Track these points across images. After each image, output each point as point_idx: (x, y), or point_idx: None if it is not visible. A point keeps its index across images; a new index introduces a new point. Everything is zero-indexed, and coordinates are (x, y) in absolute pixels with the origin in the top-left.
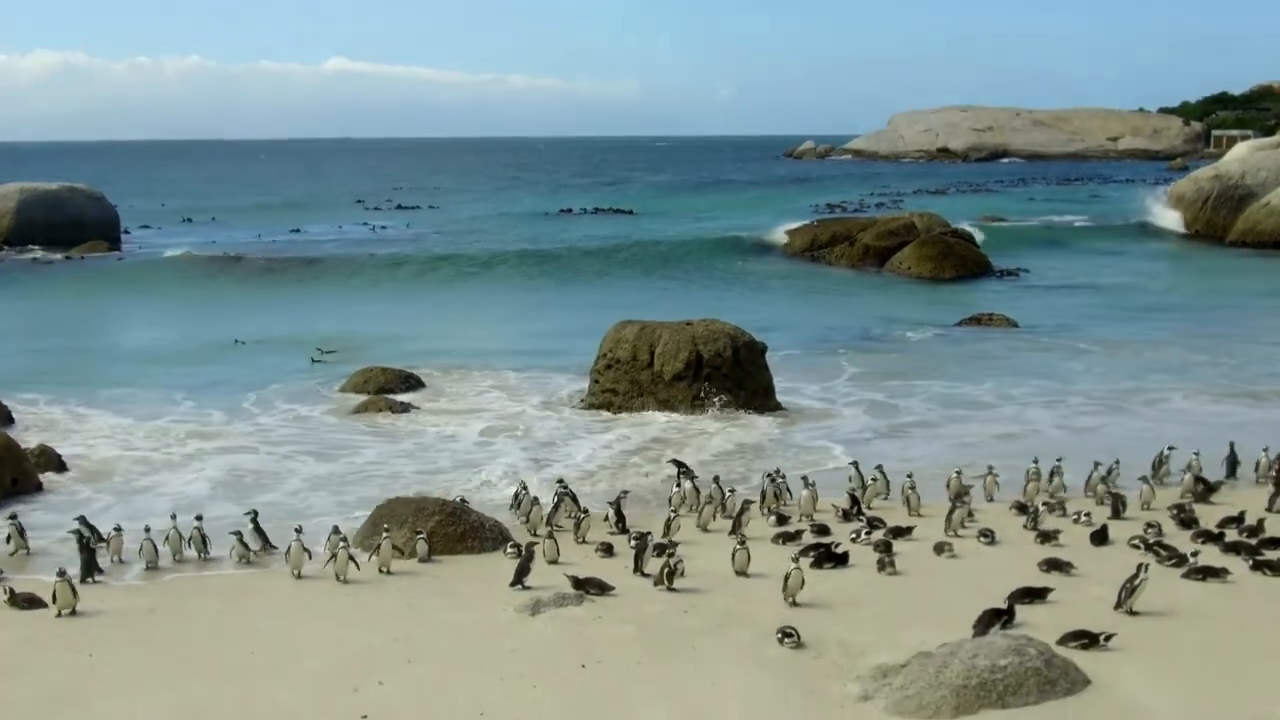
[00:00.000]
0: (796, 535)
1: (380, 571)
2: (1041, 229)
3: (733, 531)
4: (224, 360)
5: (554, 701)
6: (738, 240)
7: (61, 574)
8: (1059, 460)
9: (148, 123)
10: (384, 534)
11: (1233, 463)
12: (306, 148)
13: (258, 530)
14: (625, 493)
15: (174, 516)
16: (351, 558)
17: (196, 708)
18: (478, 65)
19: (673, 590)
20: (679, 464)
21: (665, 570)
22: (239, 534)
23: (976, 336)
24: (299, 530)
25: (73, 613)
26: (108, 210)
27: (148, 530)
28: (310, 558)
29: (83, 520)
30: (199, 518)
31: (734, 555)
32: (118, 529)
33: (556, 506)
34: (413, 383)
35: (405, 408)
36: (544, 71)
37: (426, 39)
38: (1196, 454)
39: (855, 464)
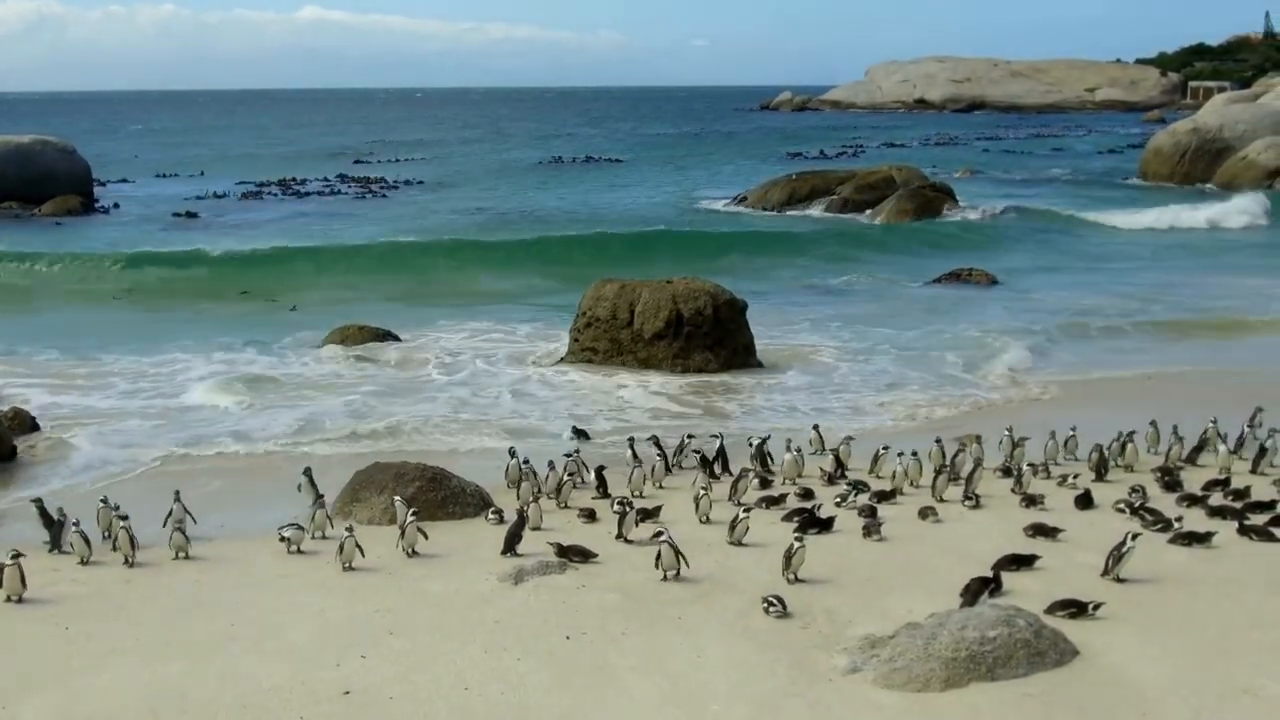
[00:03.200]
0: (780, 499)
1: (344, 568)
2: (1016, 181)
3: (730, 498)
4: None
5: (538, 674)
6: (712, 195)
7: (15, 557)
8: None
9: (122, 73)
10: (347, 533)
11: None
12: (282, 98)
13: (311, 484)
14: (603, 467)
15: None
16: (358, 544)
17: (175, 684)
18: (456, 14)
19: (629, 542)
20: (578, 430)
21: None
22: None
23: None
24: (350, 529)
25: (19, 600)
26: (79, 164)
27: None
28: (364, 555)
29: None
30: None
31: (733, 524)
32: (108, 504)
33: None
34: (390, 338)
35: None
36: (523, 19)
37: None
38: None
39: (816, 427)
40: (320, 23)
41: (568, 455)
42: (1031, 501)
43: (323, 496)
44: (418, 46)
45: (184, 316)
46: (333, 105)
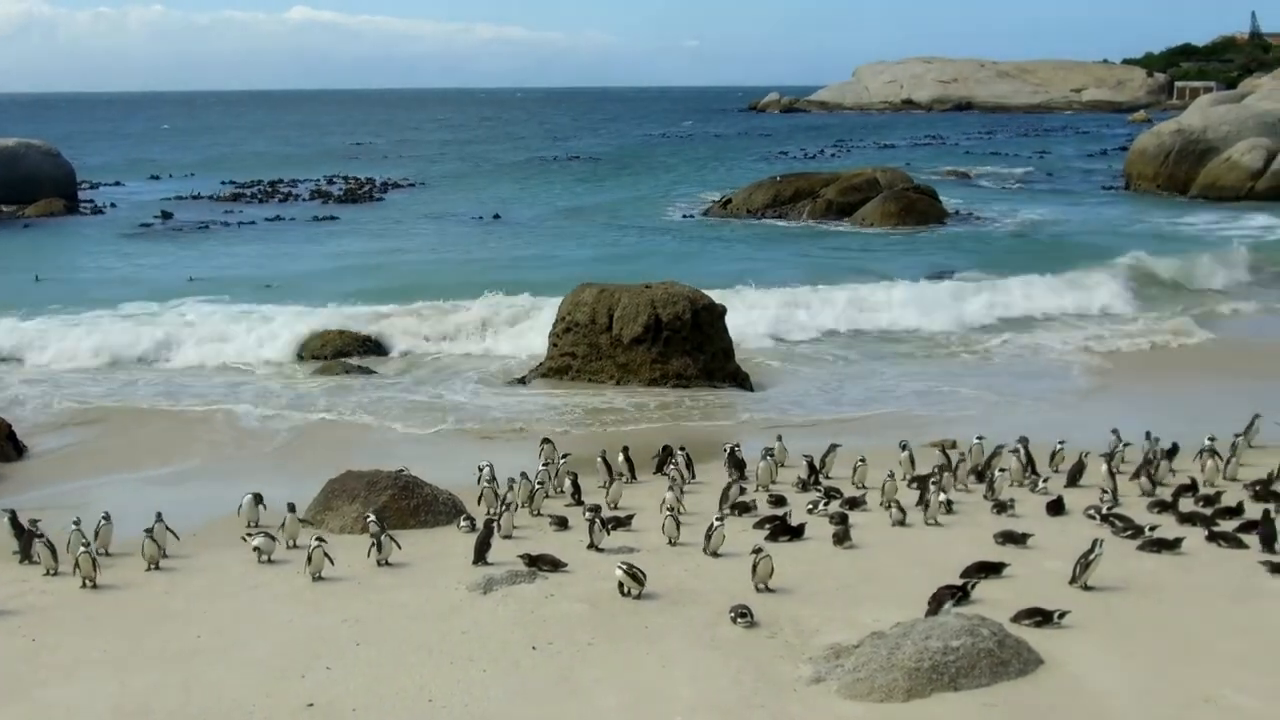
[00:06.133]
0: (751, 506)
1: (313, 579)
2: (1001, 183)
3: (723, 508)
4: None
5: (503, 686)
6: (697, 197)
7: None
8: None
9: (112, 74)
10: (315, 543)
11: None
12: (272, 99)
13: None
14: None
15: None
16: (327, 555)
17: (141, 696)
18: (445, 14)
19: (600, 551)
20: (548, 441)
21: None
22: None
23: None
24: (320, 539)
25: None
26: (63, 167)
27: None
28: (333, 563)
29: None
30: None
31: (709, 534)
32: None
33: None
34: (370, 345)
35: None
36: (512, 20)
37: None
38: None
39: (779, 437)
40: (310, 23)
41: (545, 464)
42: (1003, 508)
43: (293, 504)
44: (407, 47)
45: None
46: (323, 106)
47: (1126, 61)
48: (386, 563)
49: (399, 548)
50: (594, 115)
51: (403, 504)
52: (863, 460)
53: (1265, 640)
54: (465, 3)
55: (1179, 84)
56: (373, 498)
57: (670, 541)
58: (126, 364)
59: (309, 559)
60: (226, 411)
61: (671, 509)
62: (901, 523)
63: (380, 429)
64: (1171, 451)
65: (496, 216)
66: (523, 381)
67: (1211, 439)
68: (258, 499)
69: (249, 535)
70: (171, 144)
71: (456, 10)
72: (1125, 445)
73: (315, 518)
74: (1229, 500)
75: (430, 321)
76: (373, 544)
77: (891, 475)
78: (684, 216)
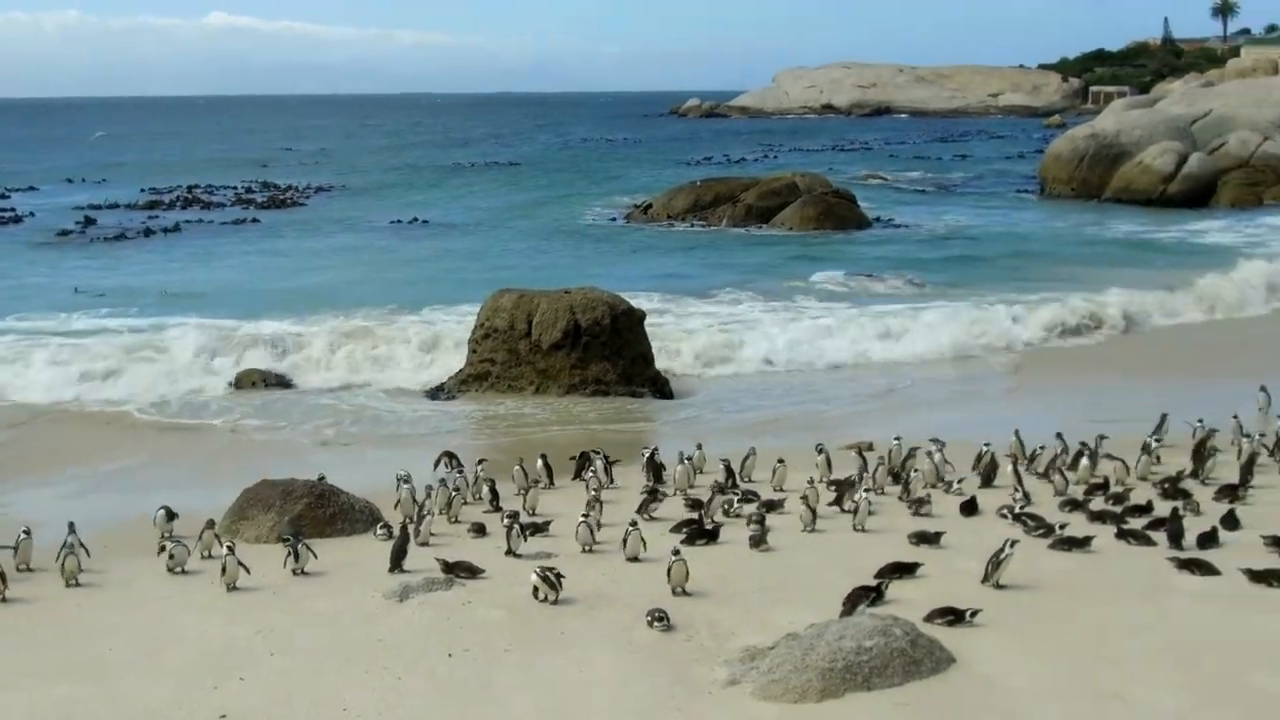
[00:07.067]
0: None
1: (227, 589)
2: (919, 186)
3: (643, 512)
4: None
5: (418, 694)
6: (617, 203)
7: None
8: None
9: (28, 82)
10: (227, 552)
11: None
12: (191, 104)
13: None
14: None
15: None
16: (242, 564)
17: (51, 710)
18: (365, 20)
19: (518, 557)
20: (449, 454)
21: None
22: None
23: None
24: (231, 548)
25: None
26: None
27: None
28: (249, 572)
29: None
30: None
31: (625, 539)
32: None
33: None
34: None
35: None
36: (434, 26)
37: None
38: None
39: (700, 445)
40: (228, 29)
41: (459, 472)
42: (921, 504)
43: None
44: (328, 53)
45: None
46: (244, 111)
47: (1042, 67)
48: (302, 572)
49: (315, 556)
50: (515, 121)
51: (319, 512)
52: (781, 462)
53: (1173, 636)
54: (387, 8)
55: (1093, 89)
56: (288, 506)
57: (585, 548)
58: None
59: (223, 569)
60: (137, 419)
61: (585, 515)
62: (811, 527)
63: (297, 438)
64: (1095, 452)
65: (417, 221)
66: (442, 389)
67: (1157, 440)
68: (170, 513)
69: (163, 546)
70: (95, 150)
71: (377, 15)
72: (1042, 449)
73: (230, 527)
74: (1138, 498)
75: (346, 329)
76: (288, 553)
77: (811, 482)
78: (605, 222)
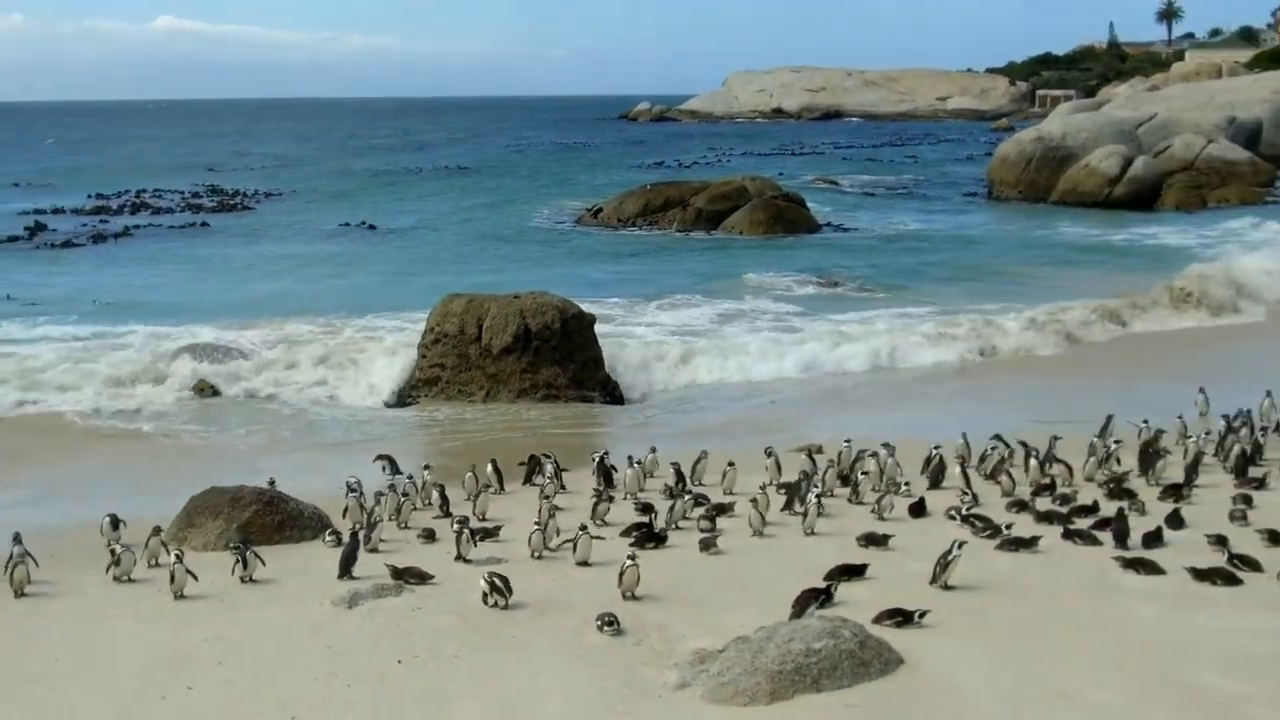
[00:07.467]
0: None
1: (175, 598)
2: (868, 190)
3: (594, 518)
4: None
5: (367, 701)
6: (568, 207)
7: None
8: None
9: None
10: (175, 560)
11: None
12: (138, 109)
13: None
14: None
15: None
16: (190, 572)
17: None
18: (314, 23)
19: (468, 562)
20: (386, 457)
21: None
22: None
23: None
24: (180, 556)
25: None
26: None
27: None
28: (196, 580)
29: None
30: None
31: (575, 543)
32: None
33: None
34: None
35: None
36: (383, 30)
37: None
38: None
39: (653, 449)
40: (176, 32)
41: (408, 478)
42: (882, 508)
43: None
44: (276, 56)
45: None
46: (192, 115)
47: (990, 70)
48: (251, 579)
49: (263, 564)
50: (465, 125)
51: (267, 519)
52: (731, 465)
53: (1119, 635)
54: (335, 12)
55: (1040, 92)
56: (236, 514)
57: (534, 554)
58: None
59: (172, 577)
60: (80, 426)
61: (538, 522)
62: (759, 533)
63: (244, 445)
64: (1049, 453)
65: (365, 225)
66: (392, 394)
67: (1113, 443)
68: (116, 521)
69: (110, 555)
70: (45, 156)
71: (326, 19)
72: (992, 449)
73: (177, 535)
74: (1085, 499)
75: (293, 334)
76: (236, 560)
77: (763, 487)
78: (555, 226)
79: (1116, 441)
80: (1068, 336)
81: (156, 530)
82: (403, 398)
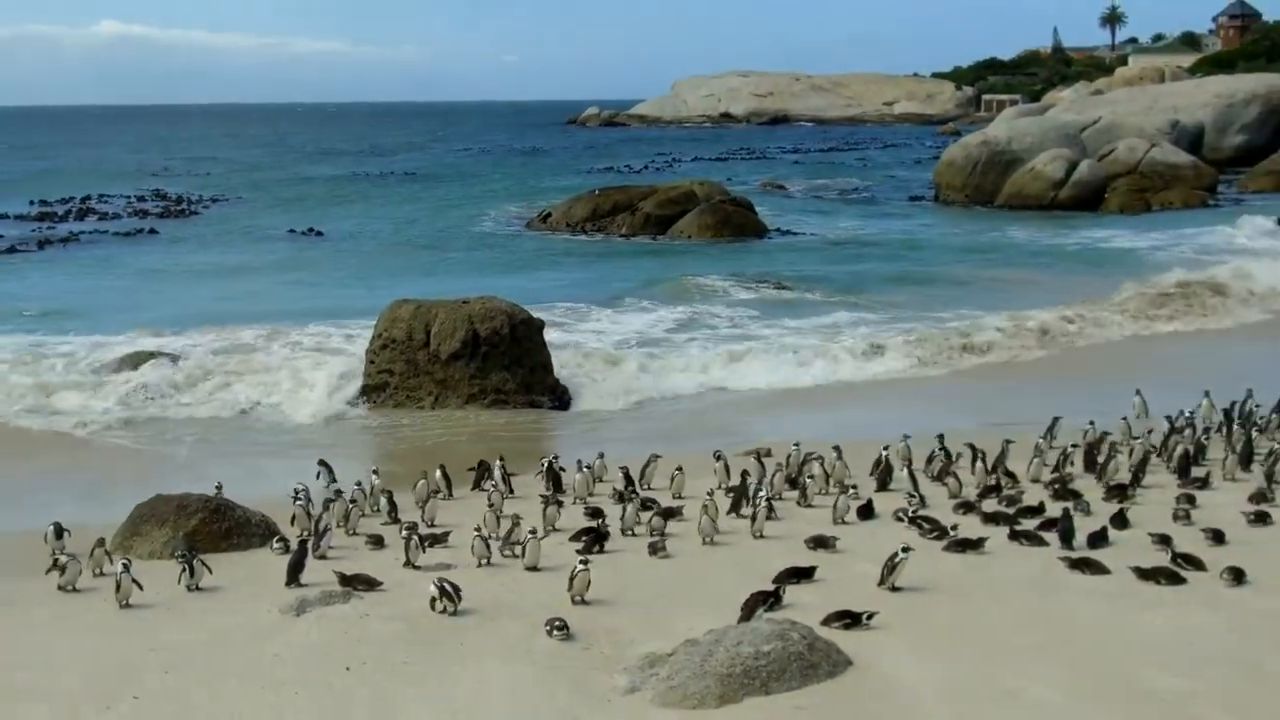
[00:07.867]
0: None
1: (120, 607)
2: (816, 194)
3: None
4: None
5: (315, 708)
6: (517, 212)
7: None
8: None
9: None
10: (121, 569)
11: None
12: (81, 114)
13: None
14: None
15: None
16: (136, 581)
17: None
18: (262, 27)
19: (417, 568)
20: (324, 464)
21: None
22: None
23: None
24: (127, 564)
25: None
26: None
27: None
28: (142, 589)
29: None
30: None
31: (524, 549)
32: None
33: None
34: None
35: None
36: (329, 35)
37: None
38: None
39: (601, 454)
40: (121, 37)
41: (357, 483)
42: (843, 513)
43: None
44: (223, 61)
45: None
46: (138, 121)
47: (936, 75)
48: (198, 588)
49: (210, 572)
50: (412, 130)
51: (214, 527)
52: (679, 469)
53: (1064, 634)
54: (282, 16)
55: (986, 97)
56: (183, 521)
57: (480, 562)
58: None
59: (117, 586)
60: (19, 432)
61: (478, 529)
62: (711, 539)
63: (189, 452)
64: (1001, 455)
65: (313, 231)
66: (340, 400)
67: (1074, 446)
68: (60, 530)
69: (55, 562)
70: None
71: (273, 23)
72: (941, 450)
73: (123, 544)
74: (1030, 500)
75: (240, 340)
76: (183, 569)
77: (711, 493)
78: (504, 230)
79: (1074, 446)
80: (1020, 339)
81: (100, 541)
82: (351, 403)
